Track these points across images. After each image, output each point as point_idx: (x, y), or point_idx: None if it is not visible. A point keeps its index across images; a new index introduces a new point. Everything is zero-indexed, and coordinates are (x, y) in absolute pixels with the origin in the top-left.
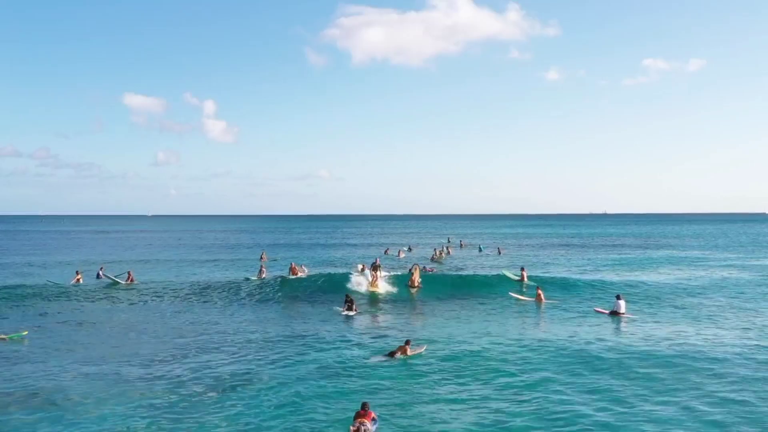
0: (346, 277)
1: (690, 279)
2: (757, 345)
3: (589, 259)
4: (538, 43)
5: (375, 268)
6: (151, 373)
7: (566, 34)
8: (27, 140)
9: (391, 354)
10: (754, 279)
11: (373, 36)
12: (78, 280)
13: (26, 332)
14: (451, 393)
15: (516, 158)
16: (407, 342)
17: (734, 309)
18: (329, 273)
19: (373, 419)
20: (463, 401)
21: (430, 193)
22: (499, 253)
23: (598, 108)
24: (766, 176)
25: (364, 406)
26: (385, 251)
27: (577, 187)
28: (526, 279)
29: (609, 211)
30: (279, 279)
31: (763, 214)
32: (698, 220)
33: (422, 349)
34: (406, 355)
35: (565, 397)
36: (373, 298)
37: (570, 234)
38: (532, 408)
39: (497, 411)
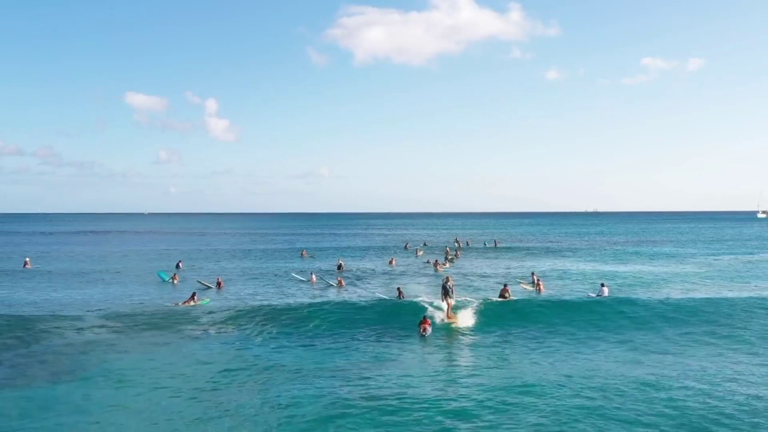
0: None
1: (653, 269)
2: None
3: (570, 253)
4: (539, 43)
5: (446, 292)
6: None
7: (566, 34)
8: (30, 139)
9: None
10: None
11: (375, 36)
12: (174, 280)
13: (208, 300)
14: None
15: (516, 157)
16: (505, 285)
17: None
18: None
19: (431, 325)
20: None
21: (429, 191)
22: (495, 246)
23: (597, 107)
24: (764, 175)
25: (424, 317)
26: (405, 245)
27: (577, 185)
28: (539, 283)
29: (600, 209)
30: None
31: (752, 212)
32: (689, 218)
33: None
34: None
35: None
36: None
37: (559, 233)
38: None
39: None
